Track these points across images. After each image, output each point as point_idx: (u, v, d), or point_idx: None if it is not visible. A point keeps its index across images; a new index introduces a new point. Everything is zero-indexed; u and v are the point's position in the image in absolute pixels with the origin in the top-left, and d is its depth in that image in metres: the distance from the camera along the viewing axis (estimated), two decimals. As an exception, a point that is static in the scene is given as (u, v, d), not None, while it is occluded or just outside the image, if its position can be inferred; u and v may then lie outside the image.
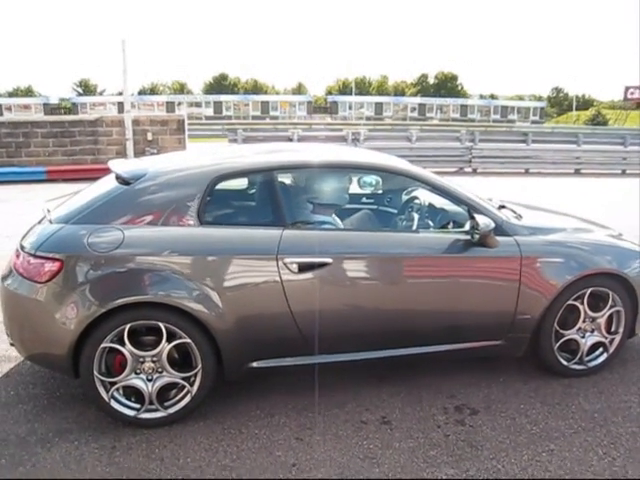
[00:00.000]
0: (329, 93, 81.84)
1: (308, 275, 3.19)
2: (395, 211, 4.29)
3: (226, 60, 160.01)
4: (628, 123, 47.69)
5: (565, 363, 3.78)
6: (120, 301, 2.96)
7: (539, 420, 3.30)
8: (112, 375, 3.09)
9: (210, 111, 63.64)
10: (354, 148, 4.99)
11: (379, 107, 69.09)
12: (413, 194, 4.16)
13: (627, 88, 48.92)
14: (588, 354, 3.82)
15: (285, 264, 3.14)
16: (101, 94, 78.24)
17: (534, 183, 15.57)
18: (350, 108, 66.36)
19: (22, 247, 3.21)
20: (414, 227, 3.80)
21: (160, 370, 3.10)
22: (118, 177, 3.41)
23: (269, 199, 3.40)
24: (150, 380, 3.10)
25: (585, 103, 78.93)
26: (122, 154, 15.46)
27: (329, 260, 3.21)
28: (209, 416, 3.24)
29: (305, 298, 3.22)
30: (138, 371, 3.09)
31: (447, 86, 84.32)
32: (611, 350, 3.87)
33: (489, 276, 3.54)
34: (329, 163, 3.80)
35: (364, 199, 4.60)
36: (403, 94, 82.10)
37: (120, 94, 66.91)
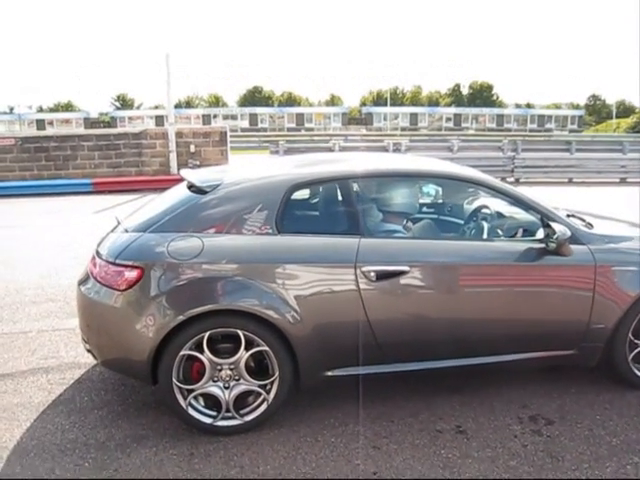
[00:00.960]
0: (363, 104, 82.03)
1: (385, 283, 3.19)
2: (460, 219, 4.25)
3: (260, 73, 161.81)
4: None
5: None
6: (201, 309, 3.00)
7: (618, 432, 3.21)
8: (189, 382, 3.12)
9: (245, 123, 64.46)
10: (419, 157, 4.97)
11: (414, 118, 68.96)
12: (479, 202, 4.12)
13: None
14: None
15: (363, 272, 3.14)
16: (138, 108, 79.92)
17: (580, 192, 15.28)
18: (385, 119, 66.38)
19: (99, 255, 3.28)
20: (484, 235, 3.76)
21: (237, 378, 3.13)
22: (192, 186, 3.46)
23: (345, 207, 3.42)
24: (227, 388, 3.13)
25: (625, 110, 77.22)
26: (166, 166, 15.77)
27: (406, 268, 3.21)
28: (283, 424, 3.25)
29: (382, 306, 3.23)
30: (215, 379, 3.12)
31: (482, 96, 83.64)
32: None
33: (563, 285, 3.49)
34: (404, 172, 3.84)
35: (425, 208, 4.58)
36: (437, 104, 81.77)
37: (156, 108, 68.58)
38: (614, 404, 3.52)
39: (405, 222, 3.84)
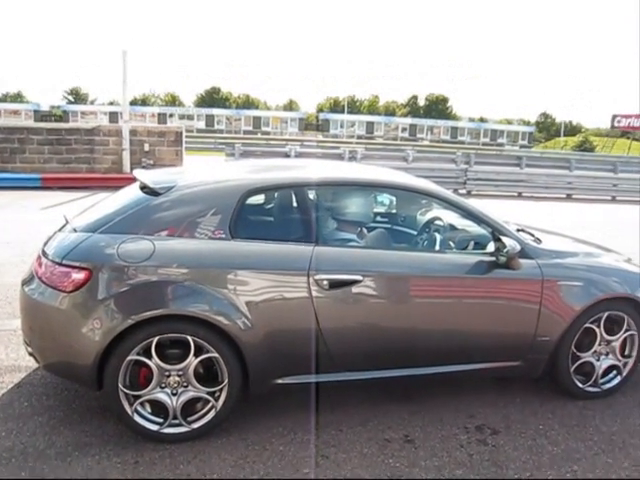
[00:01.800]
0: (320, 110, 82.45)
1: (338, 292, 3.19)
2: (413, 230, 4.30)
3: (218, 74, 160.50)
4: (614, 151, 48.29)
5: (580, 385, 3.80)
6: (150, 313, 2.93)
7: (559, 441, 3.30)
8: (136, 388, 3.04)
9: (202, 124, 63.82)
10: (374, 166, 5.04)
11: (370, 126, 69.74)
12: (432, 214, 4.18)
13: (614, 116, 49.66)
14: (602, 377, 3.86)
15: (316, 281, 3.13)
16: (92, 103, 78.07)
17: (529, 206, 15.71)
18: (342, 126, 66.93)
19: (45, 254, 3.17)
20: (437, 247, 3.81)
21: (185, 384, 3.07)
22: (145, 187, 3.39)
23: (299, 215, 3.40)
24: (175, 394, 3.05)
25: (572, 129, 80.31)
26: (118, 164, 15.42)
27: (359, 278, 3.21)
28: (231, 432, 3.21)
29: (334, 315, 3.23)
30: (163, 385, 3.05)
31: (437, 108, 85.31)
32: (625, 373, 3.91)
33: (511, 298, 3.57)
34: (359, 181, 3.84)
35: (379, 218, 4.62)
36: (393, 114, 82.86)
37: (111, 104, 67.30)
38: (556, 413, 3.62)
39: (359, 231, 3.86)
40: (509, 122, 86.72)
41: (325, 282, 3.14)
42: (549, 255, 3.70)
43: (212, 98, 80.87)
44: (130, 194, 3.46)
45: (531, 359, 3.68)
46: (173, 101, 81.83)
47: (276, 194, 3.70)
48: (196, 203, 3.21)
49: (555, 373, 3.77)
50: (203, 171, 3.92)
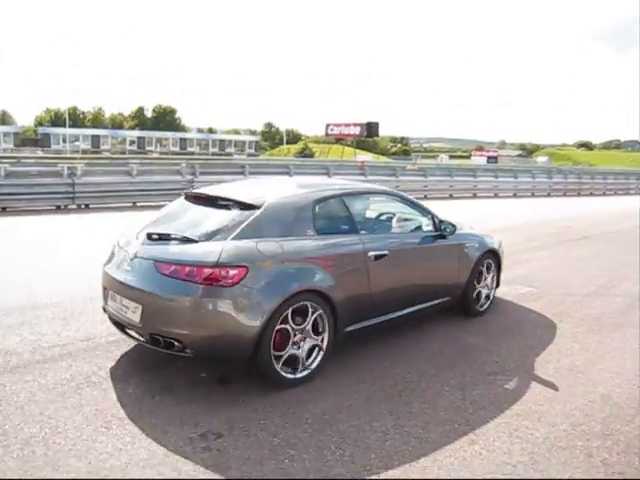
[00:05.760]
0: (39, 124, 75.46)
1: (379, 262, 4.84)
2: (392, 220, 5.80)
3: None
4: (330, 155, 53.07)
5: (478, 305, 6.26)
6: (293, 290, 4.07)
7: (278, 431, 3.51)
8: (279, 349, 4.09)
9: None
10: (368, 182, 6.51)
11: (96, 140, 66.08)
12: (390, 210, 5.89)
13: (328, 125, 53.90)
14: (484, 300, 6.37)
15: (368, 256, 4.75)
16: None
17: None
18: (64, 141, 61.84)
19: (199, 263, 3.89)
20: (408, 229, 5.62)
21: (305, 337, 4.27)
22: (239, 203, 4.38)
23: (347, 214, 4.91)
24: (299, 348, 4.23)
25: (294, 137, 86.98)
26: None
27: (387, 252, 4.93)
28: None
29: (378, 277, 4.83)
30: (294, 343, 4.20)
31: (166, 119, 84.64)
32: (491, 297, 6.51)
33: (447, 256, 5.80)
34: (371, 190, 5.88)
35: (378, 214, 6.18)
36: (121, 127, 79.87)
37: None
38: (276, 406, 3.85)
39: (380, 223, 5.77)
40: (237, 132, 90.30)
41: (372, 256, 4.78)
42: (459, 229, 5.95)
43: None
44: (215, 210, 4.47)
45: (455, 295, 5.91)
46: None
47: (331, 202, 4.89)
48: (288, 212, 4.44)
49: (465, 300, 6.05)
50: (273, 186, 5.13)
